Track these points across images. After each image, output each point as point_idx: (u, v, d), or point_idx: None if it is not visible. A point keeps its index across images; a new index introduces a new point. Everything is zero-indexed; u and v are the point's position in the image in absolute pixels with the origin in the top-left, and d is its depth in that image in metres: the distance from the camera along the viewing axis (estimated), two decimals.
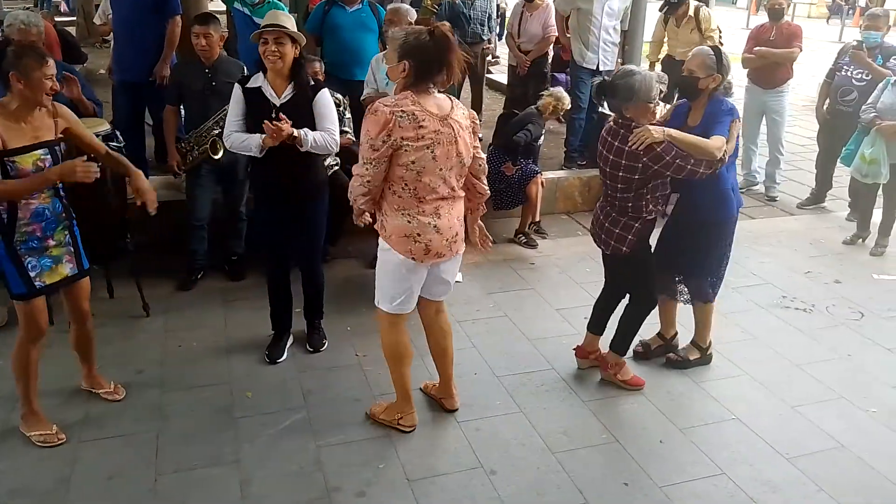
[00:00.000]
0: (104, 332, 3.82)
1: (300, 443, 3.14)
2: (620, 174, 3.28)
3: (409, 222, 2.87)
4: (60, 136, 2.98)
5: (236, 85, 3.49)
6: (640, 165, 3.21)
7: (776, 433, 3.27)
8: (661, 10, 6.85)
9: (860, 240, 5.49)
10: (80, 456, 3.01)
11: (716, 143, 3.25)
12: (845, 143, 5.43)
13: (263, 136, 3.31)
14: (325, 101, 3.49)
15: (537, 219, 5.39)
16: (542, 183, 5.33)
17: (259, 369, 3.67)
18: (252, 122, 3.41)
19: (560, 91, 5.46)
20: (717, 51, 3.40)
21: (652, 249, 3.57)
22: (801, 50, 6.32)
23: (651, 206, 3.34)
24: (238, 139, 3.43)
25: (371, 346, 3.81)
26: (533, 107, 5.44)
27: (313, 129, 3.41)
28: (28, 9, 9.97)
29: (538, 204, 5.29)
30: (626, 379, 3.60)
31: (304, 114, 3.42)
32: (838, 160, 5.67)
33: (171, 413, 3.29)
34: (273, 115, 3.31)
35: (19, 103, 2.83)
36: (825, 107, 6.00)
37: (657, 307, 3.67)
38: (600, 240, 3.52)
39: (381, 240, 2.99)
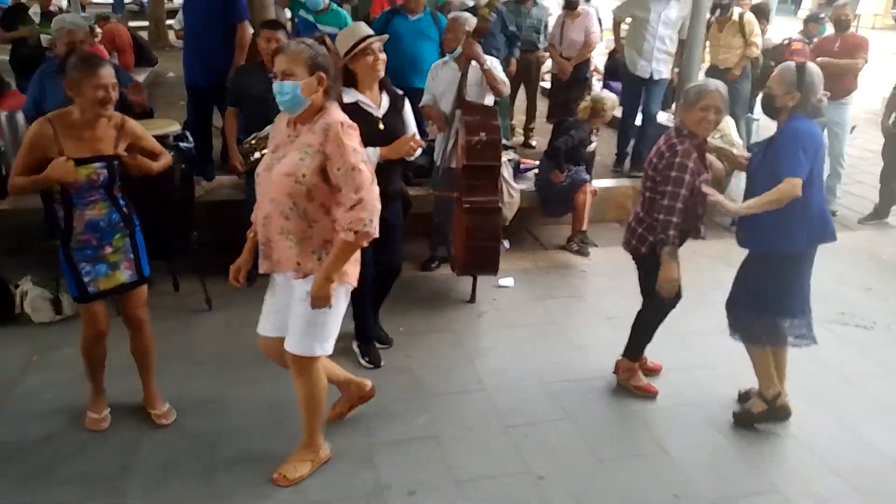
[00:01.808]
0: (167, 324, 3.98)
1: (352, 440, 3.21)
2: (649, 172, 3.30)
3: None
4: (122, 152, 2.95)
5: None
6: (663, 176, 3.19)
7: (829, 449, 3.22)
8: (710, 12, 6.77)
9: None
10: (142, 444, 3.14)
11: (787, 188, 2.96)
12: None
13: (376, 148, 3.28)
14: (409, 108, 3.59)
15: (583, 228, 5.31)
16: (592, 192, 5.29)
17: None
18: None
19: (599, 93, 5.40)
20: (800, 67, 3.10)
21: None
22: (865, 61, 6.17)
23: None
24: None
25: (421, 347, 3.87)
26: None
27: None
28: (105, 14, 10.41)
29: (585, 213, 5.25)
30: (639, 385, 3.59)
31: (399, 122, 3.49)
32: None
33: (227, 407, 3.40)
34: (380, 128, 3.34)
35: (79, 113, 2.85)
36: (891, 120, 5.84)
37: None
38: (625, 240, 3.48)
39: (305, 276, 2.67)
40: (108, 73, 2.81)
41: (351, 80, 3.35)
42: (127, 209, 3.07)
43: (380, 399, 3.49)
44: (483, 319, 4.37)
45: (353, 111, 3.25)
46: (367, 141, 3.21)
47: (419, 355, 3.84)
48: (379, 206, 2.59)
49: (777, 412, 3.36)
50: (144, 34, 11.89)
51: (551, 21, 7.45)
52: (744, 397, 3.54)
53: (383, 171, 3.30)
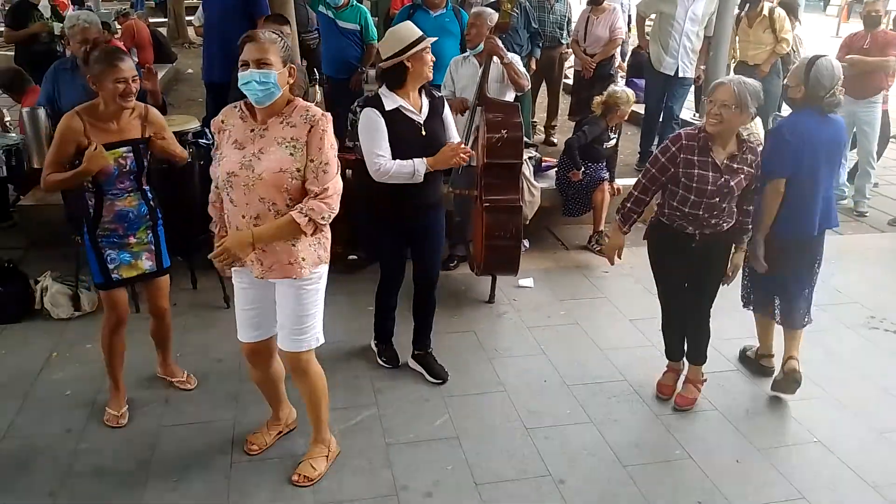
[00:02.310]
0: (186, 321, 3.98)
1: (370, 440, 3.18)
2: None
3: None
4: (147, 136, 3.07)
5: (371, 111, 3.19)
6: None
7: (861, 459, 3.12)
8: (739, 7, 6.64)
9: None
10: (161, 440, 3.14)
11: (769, 192, 3.24)
12: None
13: (423, 160, 3.18)
14: (448, 110, 3.47)
15: (600, 228, 5.21)
16: (613, 190, 5.19)
17: (332, 365, 3.71)
18: (399, 145, 3.18)
19: (614, 88, 5.23)
20: (811, 60, 3.19)
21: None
22: None
23: (665, 210, 3.26)
24: (401, 169, 3.16)
25: (440, 347, 3.82)
26: None
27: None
28: (125, 11, 10.48)
29: (603, 212, 5.16)
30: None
31: (439, 127, 3.36)
32: None
33: (246, 403, 3.38)
34: (422, 134, 3.24)
35: (104, 106, 2.96)
36: None
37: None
38: None
39: (310, 270, 2.63)
40: (128, 67, 2.93)
41: (397, 82, 3.21)
42: (154, 202, 3.19)
43: (398, 399, 3.47)
44: (503, 320, 4.31)
45: (395, 117, 3.20)
46: (408, 148, 3.18)
47: (438, 355, 3.79)
48: (338, 205, 2.57)
49: (761, 367, 3.76)
50: (164, 31, 11.95)
51: (575, 16, 7.36)
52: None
53: (425, 178, 3.22)
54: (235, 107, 2.62)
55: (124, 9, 11.44)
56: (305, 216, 2.48)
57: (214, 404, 3.39)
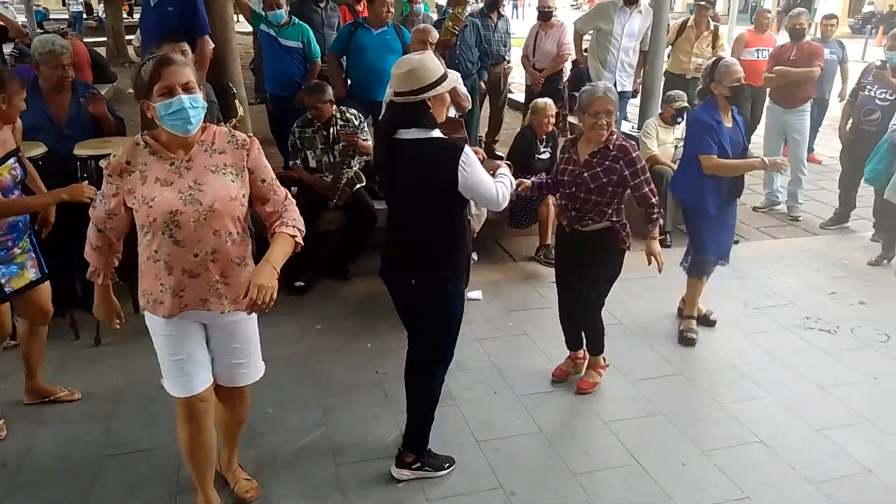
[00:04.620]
0: (130, 347, 3.88)
1: (319, 460, 3.14)
2: None
3: None
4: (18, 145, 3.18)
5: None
6: None
7: (802, 457, 3.22)
8: (697, 0, 6.98)
9: (885, 260, 5.41)
10: (104, 470, 3.05)
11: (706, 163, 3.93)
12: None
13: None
14: None
15: (547, 241, 5.26)
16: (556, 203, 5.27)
17: (279, 385, 3.68)
18: None
19: (537, 101, 5.40)
20: (714, 61, 3.95)
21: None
22: (821, 69, 6.30)
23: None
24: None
25: (390, 363, 3.81)
26: None
27: None
28: (62, 30, 10.21)
29: (549, 225, 5.22)
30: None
31: None
32: (863, 180, 5.61)
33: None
34: None
35: None
36: (848, 126, 5.95)
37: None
38: None
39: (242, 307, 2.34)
40: None
41: (426, 118, 2.70)
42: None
43: (350, 416, 3.44)
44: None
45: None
46: None
47: (390, 371, 3.78)
48: None
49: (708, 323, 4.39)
50: (103, 50, 11.69)
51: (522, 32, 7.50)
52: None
53: None
54: (138, 143, 2.35)
55: (62, 28, 11.15)
56: (292, 228, 2.44)
57: (155, 431, 3.29)
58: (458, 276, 2.88)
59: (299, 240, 2.45)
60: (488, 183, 2.75)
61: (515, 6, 23.64)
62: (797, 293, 4.90)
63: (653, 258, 3.46)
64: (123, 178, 2.33)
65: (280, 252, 2.36)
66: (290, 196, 2.53)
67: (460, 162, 2.64)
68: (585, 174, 3.36)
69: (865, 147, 5.54)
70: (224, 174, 2.36)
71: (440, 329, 2.92)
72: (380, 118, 3.76)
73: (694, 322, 4.29)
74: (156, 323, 2.46)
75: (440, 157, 2.68)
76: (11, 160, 3.07)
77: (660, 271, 3.48)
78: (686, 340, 4.19)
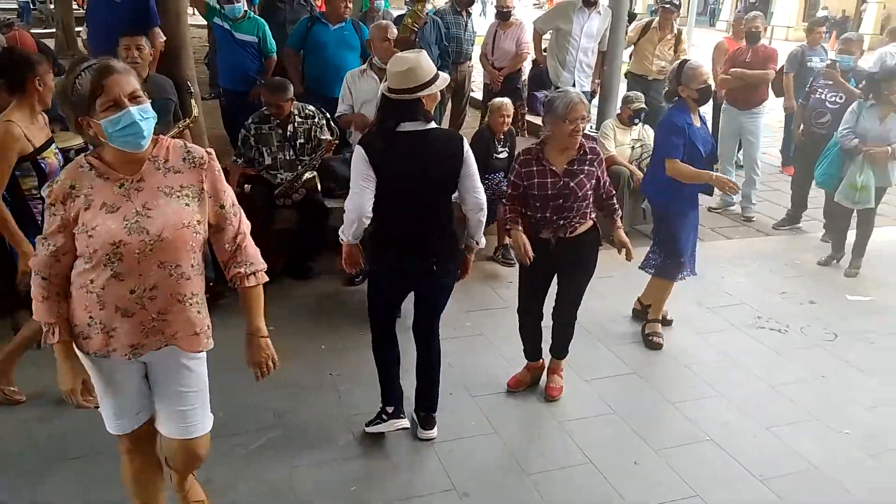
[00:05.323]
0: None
1: (273, 463, 3.09)
2: None
3: None
4: None
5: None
6: None
7: (750, 454, 3.27)
8: (662, 3, 6.98)
9: (834, 261, 5.54)
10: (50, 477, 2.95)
11: (670, 167, 3.90)
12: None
13: None
14: None
15: (505, 241, 5.23)
16: None
17: (230, 388, 3.59)
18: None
19: (493, 100, 5.37)
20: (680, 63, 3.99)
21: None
22: (775, 72, 6.43)
23: (527, 218, 3.44)
24: None
25: (345, 364, 3.77)
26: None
27: None
28: (9, 20, 9.88)
29: None
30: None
31: None
32: (815, 183, 5.72)
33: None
34: None
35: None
36: (800, 129, 6.08)
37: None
38: None
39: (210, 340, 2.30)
40: None
41: (421, 112, 2.87)
42: None
43: (302, 420, 3.38)
44: (410, 334, 4.28)
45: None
46: None
47: (344, 372, 3.73)
48: None
49: (665, 322, 4.40)
50: (52, 42, 11.34)
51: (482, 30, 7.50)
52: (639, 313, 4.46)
53: None
54: (81, 166, 2.06)
55: (8, 19, 10.80)
56: (253, 275, 2.28)
57: (103, 438, 3.19)
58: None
59: (263, 279, 2.32)
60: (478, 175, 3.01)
61: (484, 4, 23.60)
62: (749, 293, 4.98)
63: (623, 248, 3.50)
64: (67, 205, 2.03)
65: (257, 313, 2.33)
66: (244, 225, 2.29)
67: (465, 150, 2.92)
68: (571, 183, 3.31)
69: (817, 149, 5.66)
70: (178, 197, 2.10)
71: (445, 301, 3.39)
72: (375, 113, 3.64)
73: (660, 325, 4.29)
74: (82, 354, 2.18)
75: (446, 146, 2.93)
76: (53, 145, 3.18)
77: (629, 259, 3.51)
78: (652, 344, 4.18)
